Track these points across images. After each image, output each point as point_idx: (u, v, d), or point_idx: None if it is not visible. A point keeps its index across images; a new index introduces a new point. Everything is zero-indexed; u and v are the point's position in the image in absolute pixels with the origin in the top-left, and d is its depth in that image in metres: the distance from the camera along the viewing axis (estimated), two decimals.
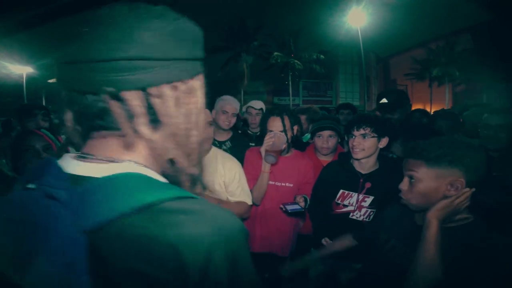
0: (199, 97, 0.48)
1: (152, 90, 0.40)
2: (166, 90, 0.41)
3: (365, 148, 1.49)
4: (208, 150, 1.56)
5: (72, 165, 0.41)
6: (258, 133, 2.75)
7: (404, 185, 1.07)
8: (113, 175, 0.38)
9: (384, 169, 1.55)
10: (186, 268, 0.34)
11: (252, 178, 1.73)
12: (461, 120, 2.47)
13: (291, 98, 21.72)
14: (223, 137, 2.17)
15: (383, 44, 21.31)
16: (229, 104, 2.11)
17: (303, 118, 2.65)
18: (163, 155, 0.44)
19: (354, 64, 23.08)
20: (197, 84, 0.47)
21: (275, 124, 1.67)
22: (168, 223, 0.35)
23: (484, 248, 0.91)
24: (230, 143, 2.16)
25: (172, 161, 0.45)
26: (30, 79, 15.10)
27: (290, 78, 21.52)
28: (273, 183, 1.77)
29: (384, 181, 1.50)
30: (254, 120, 2.63)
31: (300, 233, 1.93)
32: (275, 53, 20.68)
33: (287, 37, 21.20)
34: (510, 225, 1.33)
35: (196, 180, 0.48)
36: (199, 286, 0.34)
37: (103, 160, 0.41)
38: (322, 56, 20.94)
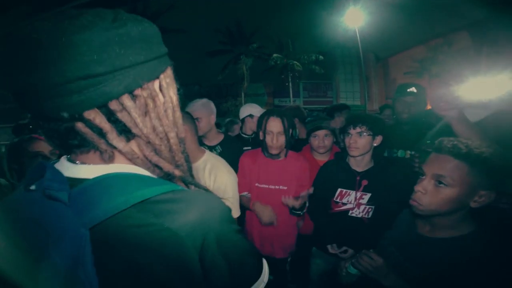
0: (168, 96, 0.45)
1: (112, 104, 0.38)
2: (126, 100, 0.39)
3: (360, 146, 1.53)
4: (199, 157, 1.48)
5: (68, 168, 0.43)
6: (253, 135, 2.70)
7: (423, 187, 0.85)
8: (104, 175, 0.41)
9: (379, 167, 1.58)
10: (187, 250, 0.38)
11: (244, 184, 1.75)
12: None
13: (291, 99, 21.73)
14: (214, 141, 2.09)
15: (381, 43, 21.26)
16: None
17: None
18: (144, 163, 0.45)
19: (354, 64, 23.04)
20: (164, 82, 0.45)
21: (276, 125, 1.65)
22: (164, 212, 0.39)
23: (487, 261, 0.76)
24: (221, 148, 2.08)
25: (157, 166, 0.46)
26: None
27: (290, 79, 21.56)
28: (267, 186, 1.77)
29: (380, 178, 1.53)
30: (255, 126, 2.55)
31: (300, 233, 1.96)
32: (274, 55, 20.75)
33: (285, 39, 21.28)
34: None
35: (186, 180, 0.49)
36: (200, 265, 0.39)
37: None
38: (321, 57, 20.96)
